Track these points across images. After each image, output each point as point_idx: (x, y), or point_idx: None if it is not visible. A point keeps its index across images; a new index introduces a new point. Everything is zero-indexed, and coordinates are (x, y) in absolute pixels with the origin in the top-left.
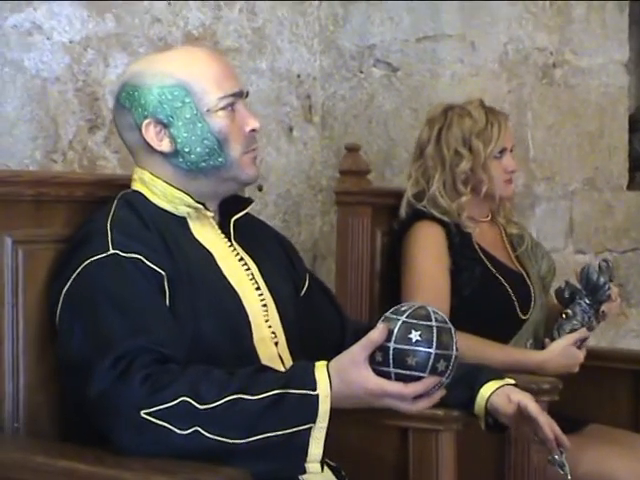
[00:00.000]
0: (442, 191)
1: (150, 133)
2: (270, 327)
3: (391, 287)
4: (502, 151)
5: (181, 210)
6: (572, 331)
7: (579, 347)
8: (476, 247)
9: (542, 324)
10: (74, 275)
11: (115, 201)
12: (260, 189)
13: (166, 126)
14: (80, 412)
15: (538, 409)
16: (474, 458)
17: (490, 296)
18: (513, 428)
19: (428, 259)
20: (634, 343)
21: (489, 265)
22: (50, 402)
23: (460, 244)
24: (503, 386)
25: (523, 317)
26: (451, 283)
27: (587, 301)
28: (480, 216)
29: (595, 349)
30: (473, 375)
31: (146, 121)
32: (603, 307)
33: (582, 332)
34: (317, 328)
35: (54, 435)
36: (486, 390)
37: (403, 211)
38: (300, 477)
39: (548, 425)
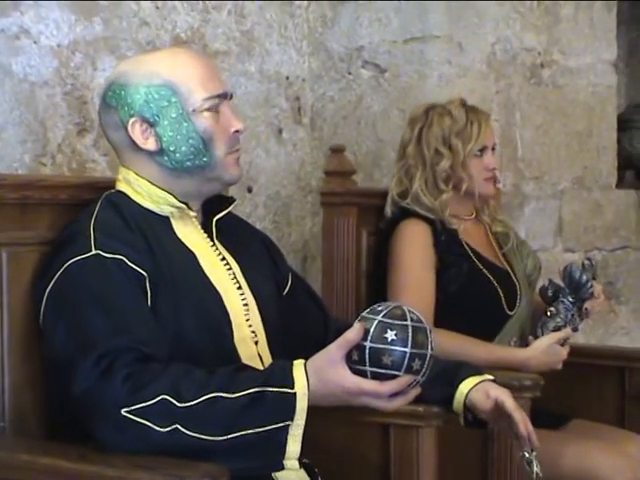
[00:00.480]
0: (424, 189)
1: (136, 131)
2: (251, 326)
3: (378, 286)
4: (483, 149)
5: (164, 210)
6: (556, 329)
7: (562, 344)
8: (463, 243)
9: (528, 321)
10: (57, 275)
11: (99, 202)
12: (250, 191)
13: (152, 125)
14: (66, 411)
15: (514, 405)
16: (457, 454)
17: (477, 292)
18: (491, 423)
19: (414, 258)
20: (623, 340)
21: (476, 261)
22: (36, 401)
23: (446, 241)
24: (482, 382)
25: (509, 313)
26: (438, 280)
27: (570, 299)
28: (464, 214)
29: (582, 346)
30: (453, 371)
31: (132, 119)
32: (586, 304)
33: (566, 332)
34: (301, 326)
35: (40, 434)
36: (465, 386)
37: (388, 209)
38: (273, 475)
39: (522, 422)
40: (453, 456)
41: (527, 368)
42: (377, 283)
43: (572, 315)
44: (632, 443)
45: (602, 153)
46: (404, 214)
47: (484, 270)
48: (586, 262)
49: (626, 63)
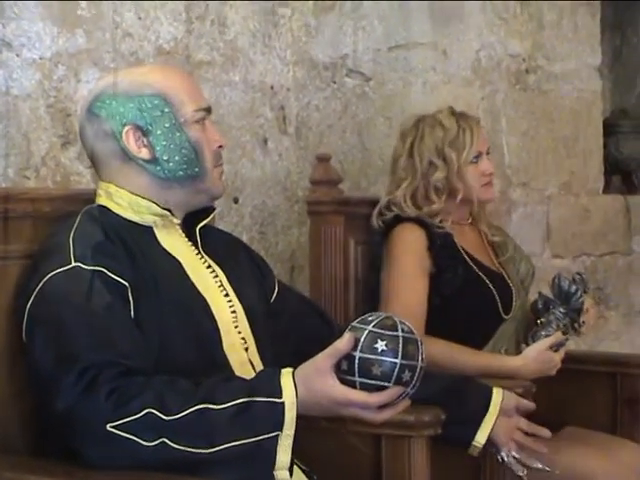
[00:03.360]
0: (408, 200)
1: (130, 140)
2: (240, 333)
3: (369, 295)
4: (478, 155)
5: (147, 219)
6: (546, 337)
7: (555, 350)
8: (458, 247)
9: (522, 325)
10: (37, 290)
11: (79, 216)
12: (236, 201)
13: (145, 134)
14: (51, 426)
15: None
16: (450, 466)
17: (474, 295)
18: None
19: (407, 265)
20: (613, 346)
21: (472, 265)
22: (21, 418)
23: (442, 244)
24: None
25: (505, 317)
26: (433, 284)
27: (562, 310)
28: (461, 219)
29: (572, 352)
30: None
31: (126, 128)
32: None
33: (557, 336)
34: (300, 324)
35: (26, 451)
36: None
37: (374, 220)
38: None
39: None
40: (446, 467)
41: (520, 376)
42: (369, 292)
43: (564, 325)
44: (625, 450)
45: (589, 158)
46: (398, 219)
47: (480, 274)
48: (577, 277)
49: (610, 69)
